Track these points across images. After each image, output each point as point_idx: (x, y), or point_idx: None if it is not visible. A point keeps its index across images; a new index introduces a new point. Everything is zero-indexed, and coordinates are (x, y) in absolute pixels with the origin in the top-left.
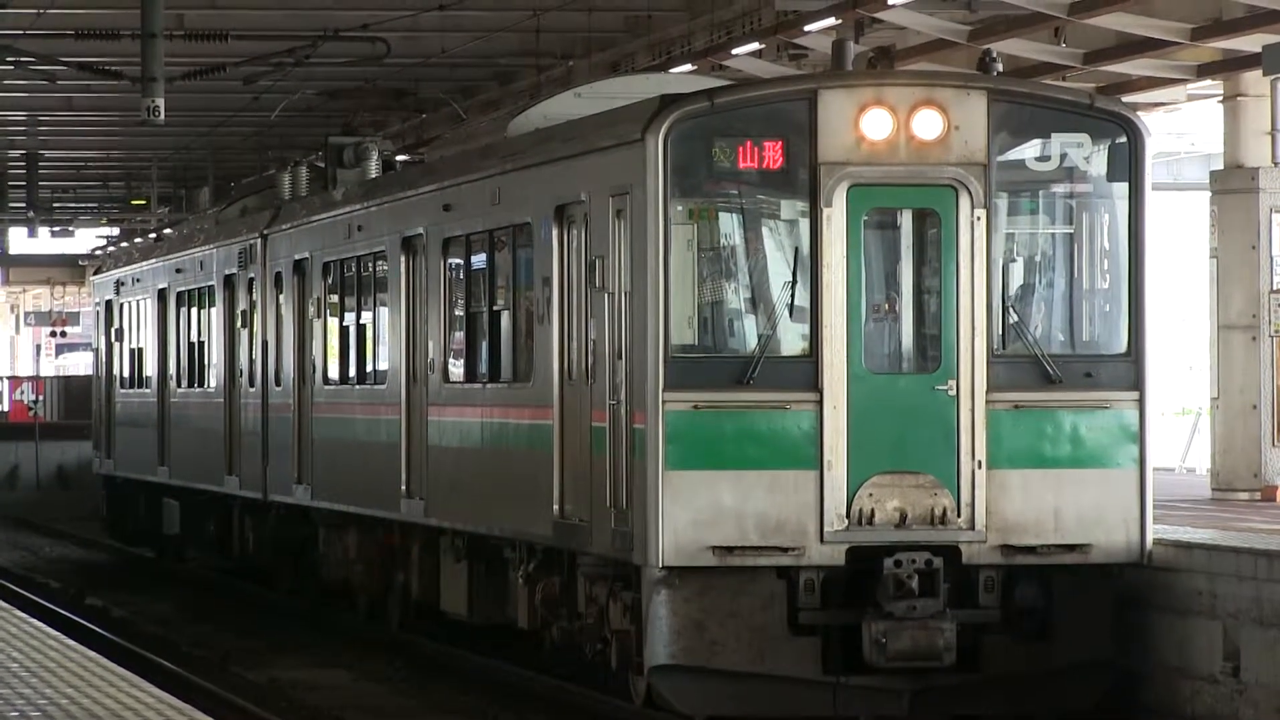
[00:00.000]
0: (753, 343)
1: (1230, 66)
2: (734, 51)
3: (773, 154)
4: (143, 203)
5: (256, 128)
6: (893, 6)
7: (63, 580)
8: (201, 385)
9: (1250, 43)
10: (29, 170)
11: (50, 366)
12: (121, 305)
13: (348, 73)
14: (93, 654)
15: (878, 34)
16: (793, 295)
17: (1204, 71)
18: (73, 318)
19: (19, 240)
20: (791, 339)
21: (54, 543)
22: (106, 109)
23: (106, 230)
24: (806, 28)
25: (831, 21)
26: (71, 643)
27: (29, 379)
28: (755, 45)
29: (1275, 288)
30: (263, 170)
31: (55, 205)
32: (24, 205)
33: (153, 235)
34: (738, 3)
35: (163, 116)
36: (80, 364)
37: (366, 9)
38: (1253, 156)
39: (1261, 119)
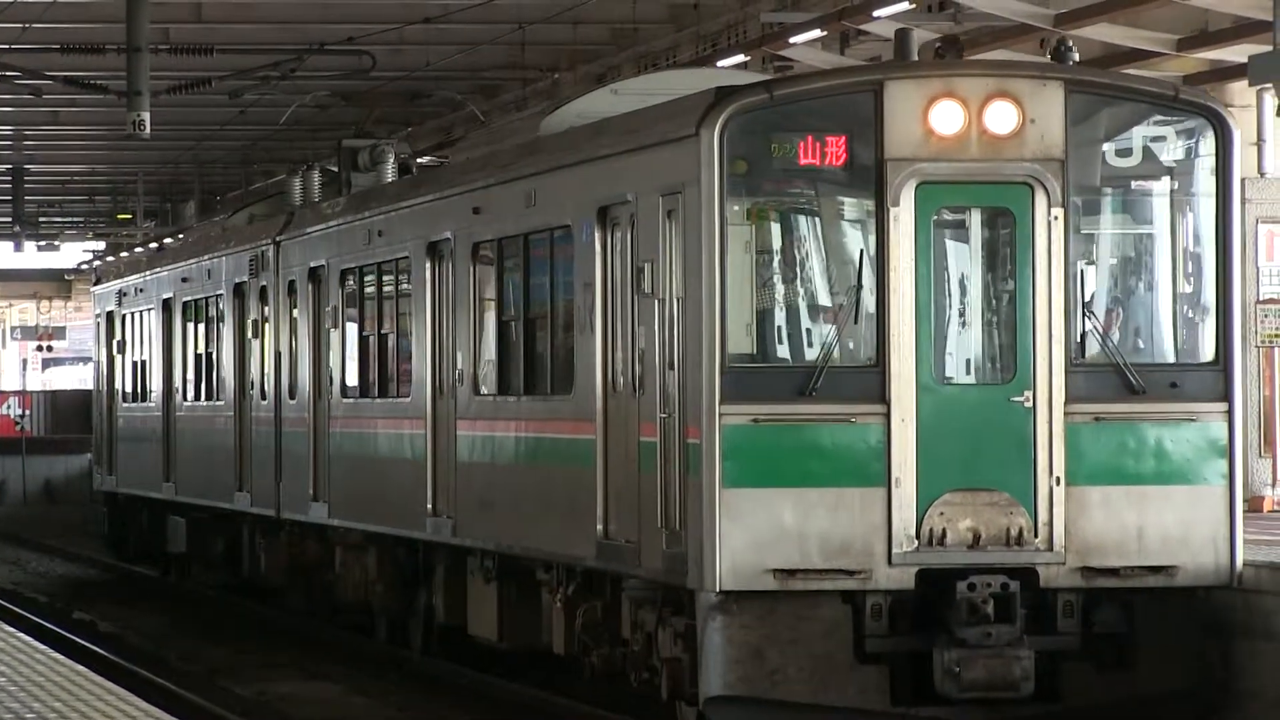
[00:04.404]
0: (815, 351)
1: (1216, 77)
2: (719, 64)
3: (836, 150)
4: (129, 217)
5: (242, 141)
6: (878, 19)
7: (50, 595)
8: (210, 398)
9: (1236, 53)
10: (15, 184)
11: (37, 381)
12: (124, 316)
13: (333, 87)
14: (80, 668)
15: (863, 46)
16: (858, 300)
17: (1190, 82)
18: (59, 332)
19: (5, 255)
20: (857, 347)
21: (41, 557)
22: (92, 123)
23: (93, 244)
24: (791, 40)
25: (816, 33)
26: (59, 656)
27: (15, 393)
28: (741, 58)
29: (1262, 298)
30: (248, 184)
31: (41, 219)
32: (10, 219)
33: (139, 249)
34: (723, 15)
35: (148, 130)
36: (68, 378)
37: (352, 23)
38: (1239, 168)
39: (1248, 130)
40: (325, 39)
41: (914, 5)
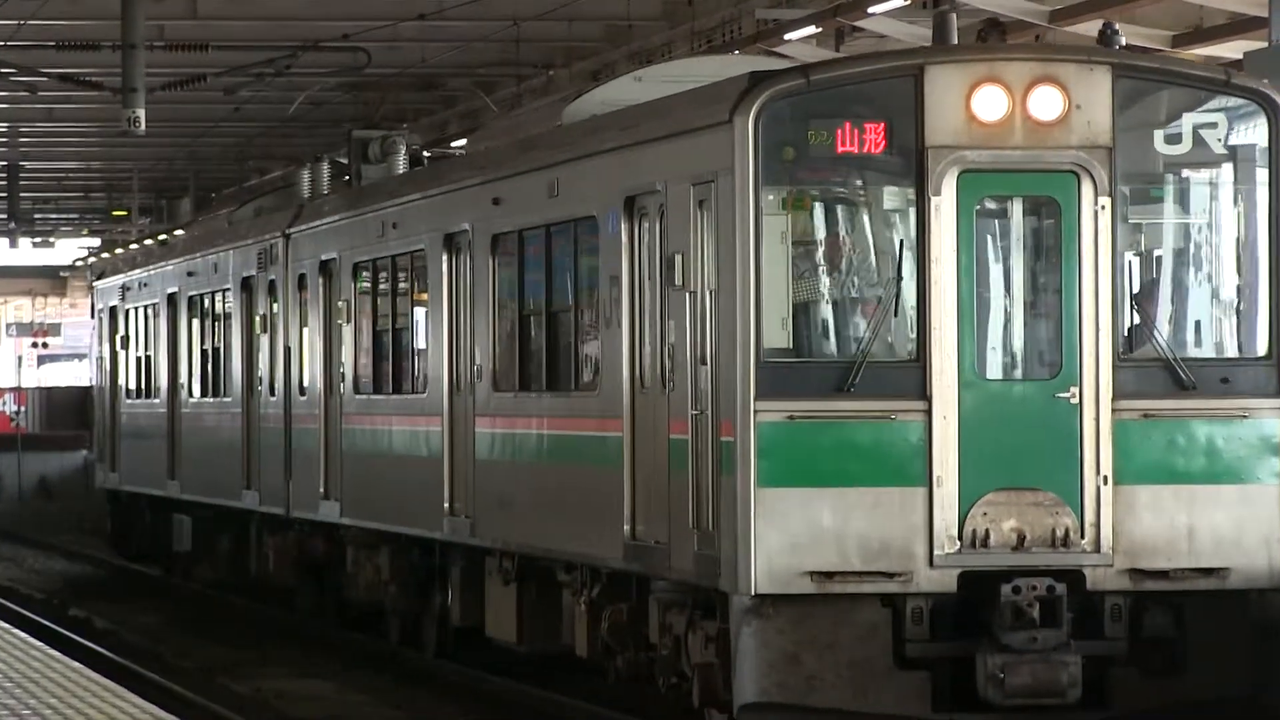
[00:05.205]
0: (853, 346)
1: None
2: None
3: (874, 137)
4: (124, 213)
5: (237, 138)
6: (872, 15)
7: (46, 592)
8: (216, 395)
9: (1231, 49)
10: (10, 181)
11: (32, 378)
12: (127, 311)
13: (330, 83)
14: (76, 664)
15: (857, 43)
16: (897, 293)
17: None
18: (54, 329)
19: (0, 252)
20: (896, 342)
21: (37, 554)
22: (87, 120)
23: (88, 241)
24: (786, 36)
25: (811, 30)
26: (55, 653)
27: (11, 390)
28: (736, 54)
29: None
30: (243, 180)
31: (36, 216)
32: (5, 216)
33: (134, 245)
34: (718, 11)
35: (143, 127)
36: (63, 375)
37: (347, 19)
38: None
39: None
40: (320, 36)
41: (909, 1)
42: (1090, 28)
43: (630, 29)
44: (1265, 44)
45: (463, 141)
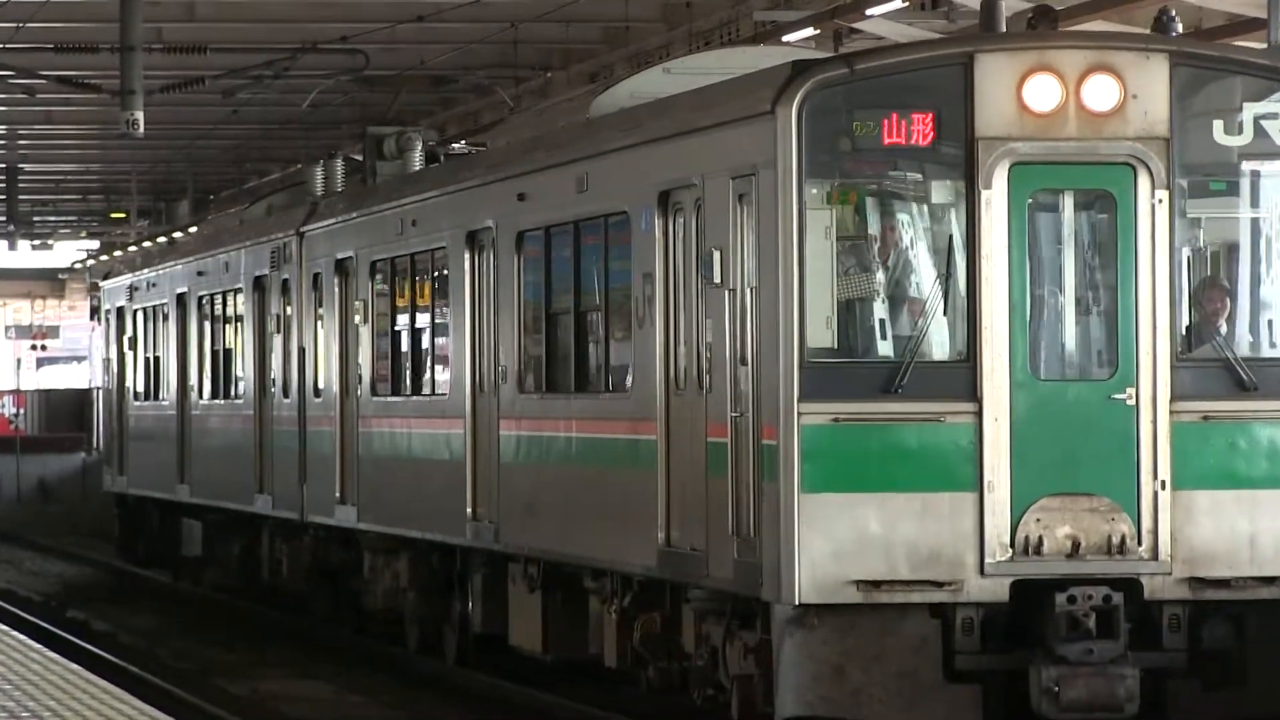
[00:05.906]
0: (901, 345)
1: None
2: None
3: (922, 128)
4: (122, 216)
5: (235, 140)
6: (871, 17)
7: (44, 594)
8: (228, 396)
9: None
10: (9, 184)
11: (31, 380)
12: (135, 312)
13: (329, 85)
14: (74, 666)
15: (855, 45)
16: (946, 290)
17: None
18: (53, 331)
19: None
20: (946, 341)
21: (35, 556)
22: (86, 122)
23: (86, 243)
24: (784, 38)
25: (809, 31)
26: (54, 655)
27: (10, 392)
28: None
29: None
30: (242, 183)
31: (35, 219)
32: (4, 219)
33: (132, 247)
34: (715, 13)
35: (142, 130)
36: (62, 378)
37: (345, 21)
38: None
39: None
40: (318, 38)
41: (907, 3)
42: (1090, 28)
43: (628, 31)
44: (1265, 44)
45: (462, 142)
